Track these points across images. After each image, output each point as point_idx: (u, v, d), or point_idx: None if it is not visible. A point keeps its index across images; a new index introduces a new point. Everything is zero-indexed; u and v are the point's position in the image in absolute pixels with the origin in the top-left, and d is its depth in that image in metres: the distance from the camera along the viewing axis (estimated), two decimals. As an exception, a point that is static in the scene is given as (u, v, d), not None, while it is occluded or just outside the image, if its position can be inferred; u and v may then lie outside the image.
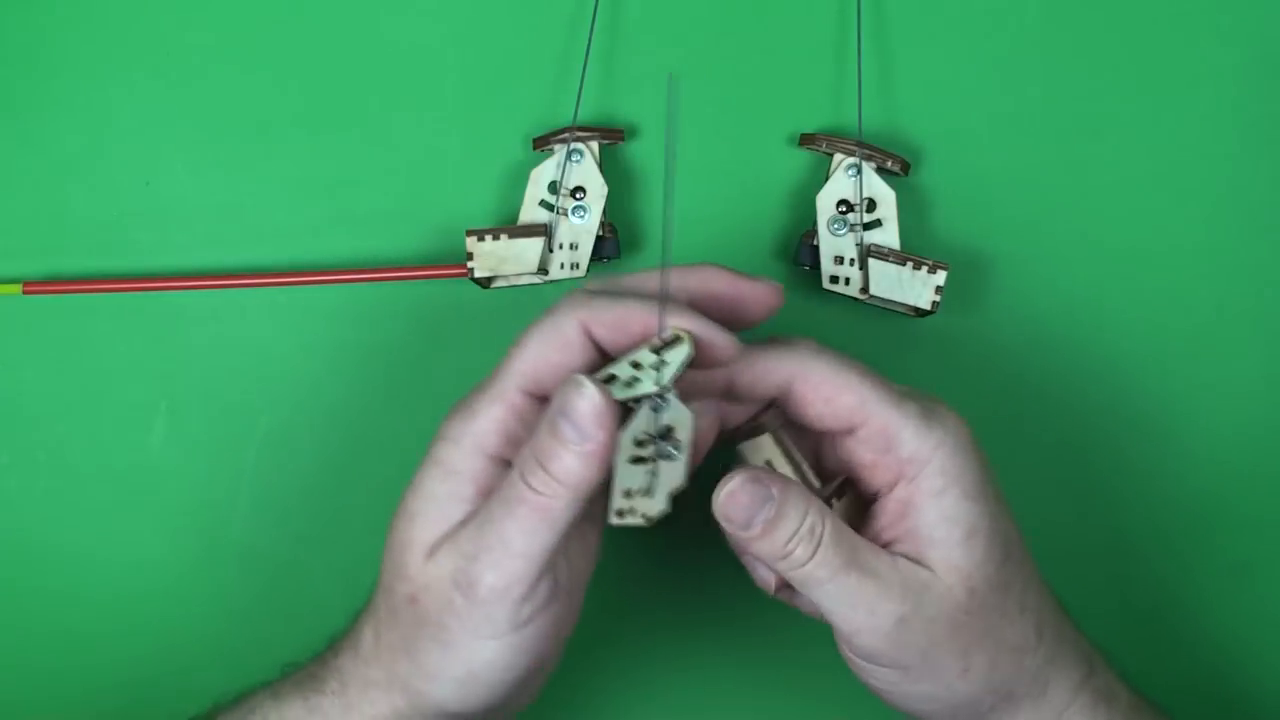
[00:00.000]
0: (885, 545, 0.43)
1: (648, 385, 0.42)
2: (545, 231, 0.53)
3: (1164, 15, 0.55)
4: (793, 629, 0.49)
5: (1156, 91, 0.55)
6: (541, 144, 0.54)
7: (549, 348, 0.42)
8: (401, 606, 0.43)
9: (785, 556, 0.42)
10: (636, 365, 0.42)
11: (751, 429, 0.45)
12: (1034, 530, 0.46)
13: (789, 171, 0.55)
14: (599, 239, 0.53)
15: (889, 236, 0.53)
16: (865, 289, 0.53)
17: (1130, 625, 0.56)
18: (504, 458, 0.43)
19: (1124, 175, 0.55)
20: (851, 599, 0.42)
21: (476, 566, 0.42)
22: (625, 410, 0.42)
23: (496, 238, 0.53)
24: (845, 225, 0.53)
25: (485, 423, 0.43)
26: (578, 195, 0.53)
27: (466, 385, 0.48)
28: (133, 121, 0.55)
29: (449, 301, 0.55)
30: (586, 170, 0.53)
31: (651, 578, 0.54)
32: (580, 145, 0.53)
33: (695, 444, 0.43)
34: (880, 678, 0.44)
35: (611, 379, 0.42)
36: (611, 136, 0.54)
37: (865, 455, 0.43)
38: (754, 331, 0.44)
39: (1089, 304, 0.55)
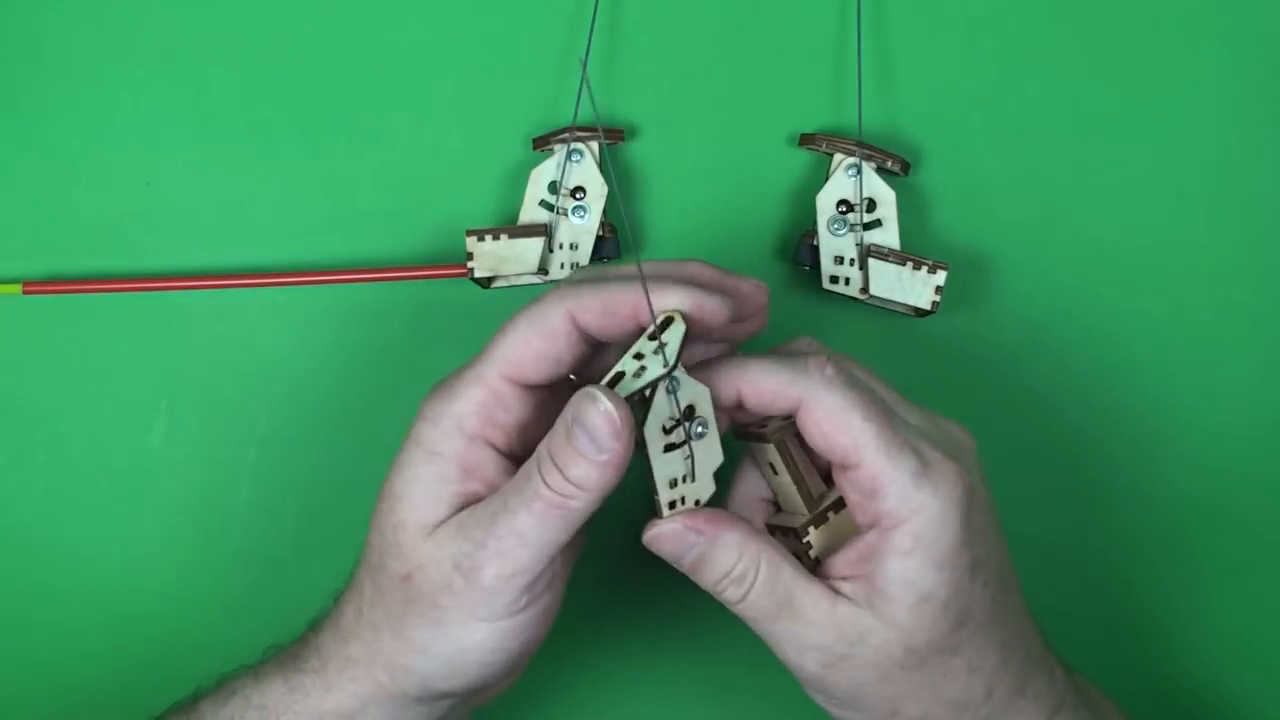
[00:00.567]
0: (844, 578, 0.43)
1: (655, 369, 0.42)
2: (545, 231, 0.53)
3: (1164, 15, 0.55)
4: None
5: (1156, 91, 0.55)
6: (541, 144, 0.54)
7: (534, 335, 0.42)
8: (391, 584, 0.43)
9: (717, 592, 0.43)
10: (639, 356, 0.42)
11: (759, 433, 0.45)
12: (1032, 530, 0.46)
13: (789, 171, 0.55)
14: (599, 239, 0.53)
15: (889, 236, 0.53)
16: (865, 289, 0.53)
17: (1130, 625, 0.56)
18: (484, 438, 0.43)
19: (1124, 175, 0.55)
20: (780, 639, 0.43)
21: (483, 554, 0.42)
22: (644, 404, 0.42)
23: (496, 238, 0.53)
24: (845, 225, 0.53)
25: (464, 404, 0.43)
26: (578, 195, 0.53)
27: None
28: (133, 121, 0.55)
29: (449, 301, 0.55)
30: (586, 170, 0.53)
31: (629, 568, 0.54)
32: (580, 145, 0.53)
33: (718, 416, 0.43)
34: (814, 698, 0.45)
35: (619, 377, 0.42)
36: (611, 136, 0.54)
37: (851, 493, 0.43)
38: (771, 336, 0.44)
39: (1089, 304, 0.55)
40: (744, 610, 0.43)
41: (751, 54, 0.55)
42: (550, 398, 0.44)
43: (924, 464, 0.42)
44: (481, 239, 0.53)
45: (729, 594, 0.43)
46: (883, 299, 0.53)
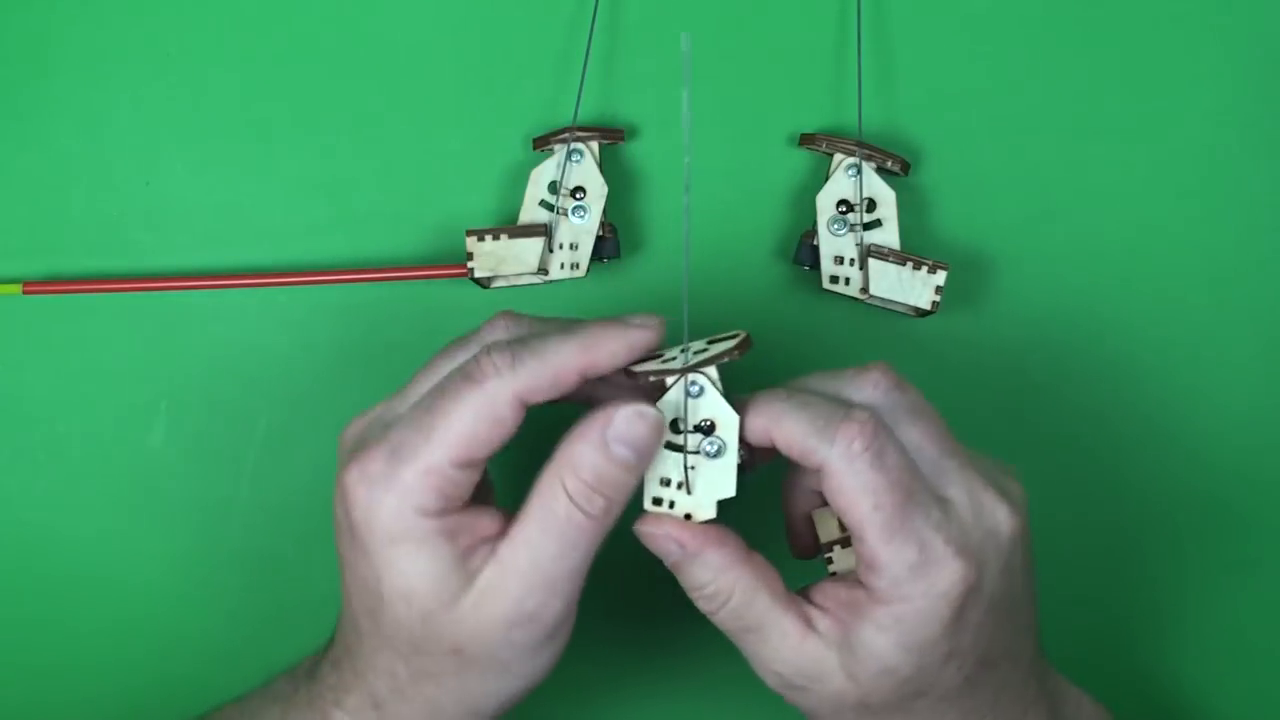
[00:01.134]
0: (826, 610, 0.43)
1: (677, 363, 0.42)
2: (545, 231, 0.53)
3: (1164, 15, 0.55)
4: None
5: (1156, 91, 0.55)
6: (541, 144, 0.54)
7: (482, 425, 0.41)
8: (437, 660, 0.43)
9: (691, 598, 0.44)
10: (684, 349, 0.42)
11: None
12: (1032, 530, 0.46)
13: (789, 171, 0.55)
14: (599, 239, 0.53)
15: (889, 236, 0.53)
16: (865, 289, 0.53)
17: (1130, 625, 0.56)
18: (448, 508, 0.42)
19: (1124, 175, 0.55)
20: (745, 652, 0.44)
21: (533, 602, 0.42)
22: (660, 392, 0.42)
23: (496, 238, 0.53)
24: (845, 225, 0.53)
25: (421, 495, 0.41)
26: (578, 195, 0.53)
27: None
28: (133, 121, 0.55)
29: (449, 301, 0.55)
30: (586, 170, 0.53)
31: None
32: (580, 145, 0.53)
33: (746, 451, 0.43)
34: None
35: (657, 357, 0.42)
36: (611, 136, 0.54)
37: (856, 552, 0.43)
38: (773, 335, 0.44)
39: (1089, 304, 0.55)
40: (714, 619, 0.44)
41: (751, 54, 0.55)
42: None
43: (924, 559, 0.41)
44: (481, 239, 0.53)
45: (700, 605, 0.44)
46: (883, 299, 0.53)
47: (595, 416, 0.42)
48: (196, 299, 0.55)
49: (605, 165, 0.53)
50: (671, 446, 0.42)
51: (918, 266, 0.52)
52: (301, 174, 0.55)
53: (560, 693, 0.55)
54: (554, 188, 0.53)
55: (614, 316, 0.43)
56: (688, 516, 0.43)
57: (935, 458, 0.43)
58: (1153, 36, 0.55)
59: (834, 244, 0.53)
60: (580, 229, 0.53)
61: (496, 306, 0.54)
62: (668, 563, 0.44)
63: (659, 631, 0.55)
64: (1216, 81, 0.55)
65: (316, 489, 0.55)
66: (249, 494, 0.55)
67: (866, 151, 0.53)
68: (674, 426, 0.42)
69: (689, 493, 0.43)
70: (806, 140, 0.54)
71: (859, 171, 0.53)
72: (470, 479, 0.42)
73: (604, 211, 0.53)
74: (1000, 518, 0.43)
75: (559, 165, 0.53)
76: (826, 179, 0.54)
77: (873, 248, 0.53)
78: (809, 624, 0.43)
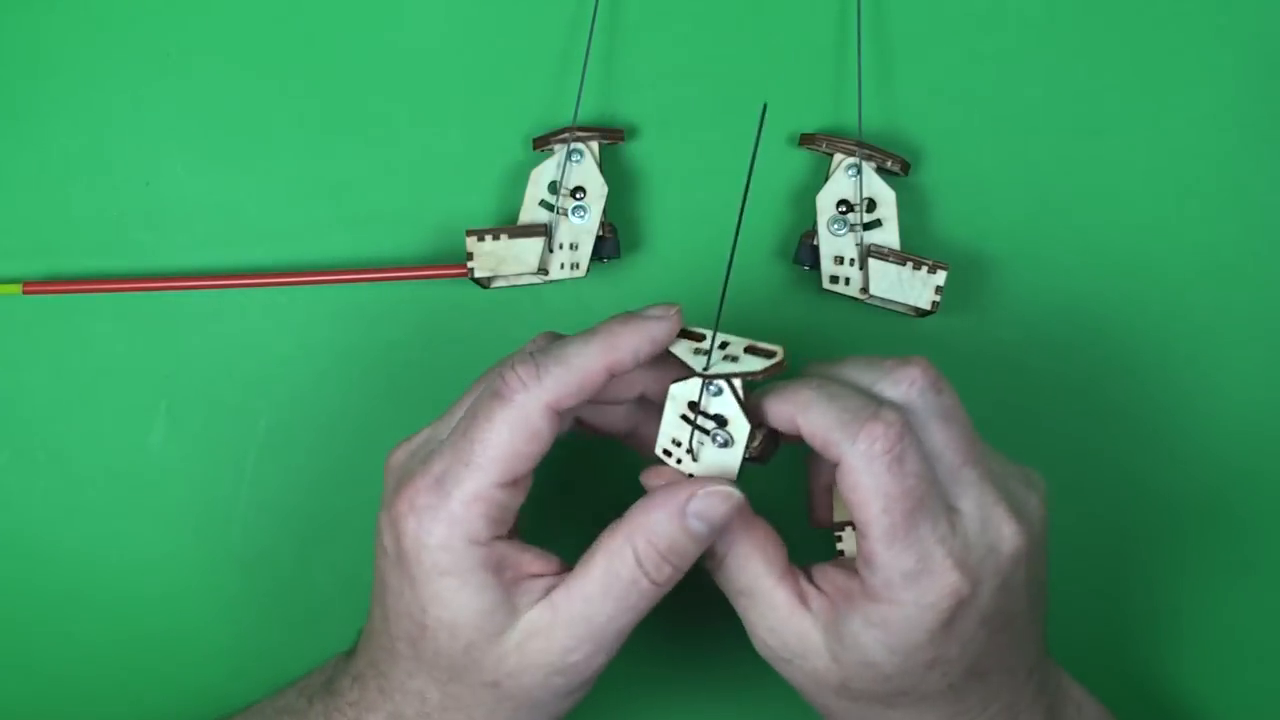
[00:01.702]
0: (822, 591, 0.44)
1: (698, 363, 0.43)
2: (545, 231, 0.53)
3: (1164, 15, 0.55)
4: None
5: (1156, 91, 0.55)
6: (541, 144, 0.54)
7: (519, 441, 0.42)
8: (474, 690, 0.43)
9: (689, 531, 0.43)
10: (724, 345, 0.43)
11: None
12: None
13: (789, 171, 0.55)
14: (599, 239, 0.53)
15: (889, 236, 0.53)
16: (865, 289, 0.53)
17: (1130, 625, 0.56)
18: (496, 535, 0.43)
19: (1124, 175, 0.55)
20: (740, 614, 0.45)
21: (580, 655, 0.42)
22: (684, 374, 0.43)
23: (496, 238, 0.53)
24: (845, 225, 0.53)
25: (472, 523, 0.42)
26: (578, 195, 0.53)
27: (466, 385, 0.48)
28: (133, 121, 0.55)
29: (449, 301, 0.55)
30: (586, 170, 0.53)
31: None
32: (580, 145, 0.53)
33: (766, 437, 0.43)
34: None
35: (701, 336, 0.43)
36: (611, 136, 0.54)
37: (857, 544, 0.43)
38: (775, 336, 0.44)
39: (1089, 304, 0.55)
40: (712, 575, 0.45)
41: (751, 54, 0.55)
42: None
43: (922, 568, 0.41)
44: (481, 239, 0.53)
45: (691, 527, 0.43)
46: (883, 299, 0.53)
47: (678, 488, 0.42)
48: (196, 299, 0.55)
49: (605, 165, 0.53)
50: (686, 420, 0.43)
51: (918, 266, 0.52)
52: (301, 174, 0.55)
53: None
54: (554, 188, 0.53)
55: (631, 311, 0.44)
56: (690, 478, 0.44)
57: (955, 465, 0.43)
58: (1153, 36, 0.55)
59: (834, 244, 0.53)
60: (580, 229, 0.53)
61: (497, 306, 0.55)
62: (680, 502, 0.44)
63: (665, 631, 0.56)
64: (1216, 81, 0.55)
65: (316, 489, 0.55)
66: (249, 494, 0.55)
67: (866, 151, 0.53)
68: (691, 406, 0.43)
69: (695, 460, 0.44)
70: (806, 140, 0.54)
71: (859, 171, 0.53)
72: (516, 498, 0.43)
73: (604, 211, 0.53)
74: (1006, 534, 0.43)
75: (559, 165, 0.53)
76: (826, 179, 0.54)
77: (873, 248, 0.53)
78: (802, 600, 0.43)
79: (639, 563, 0.42)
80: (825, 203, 0.53)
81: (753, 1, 0.55)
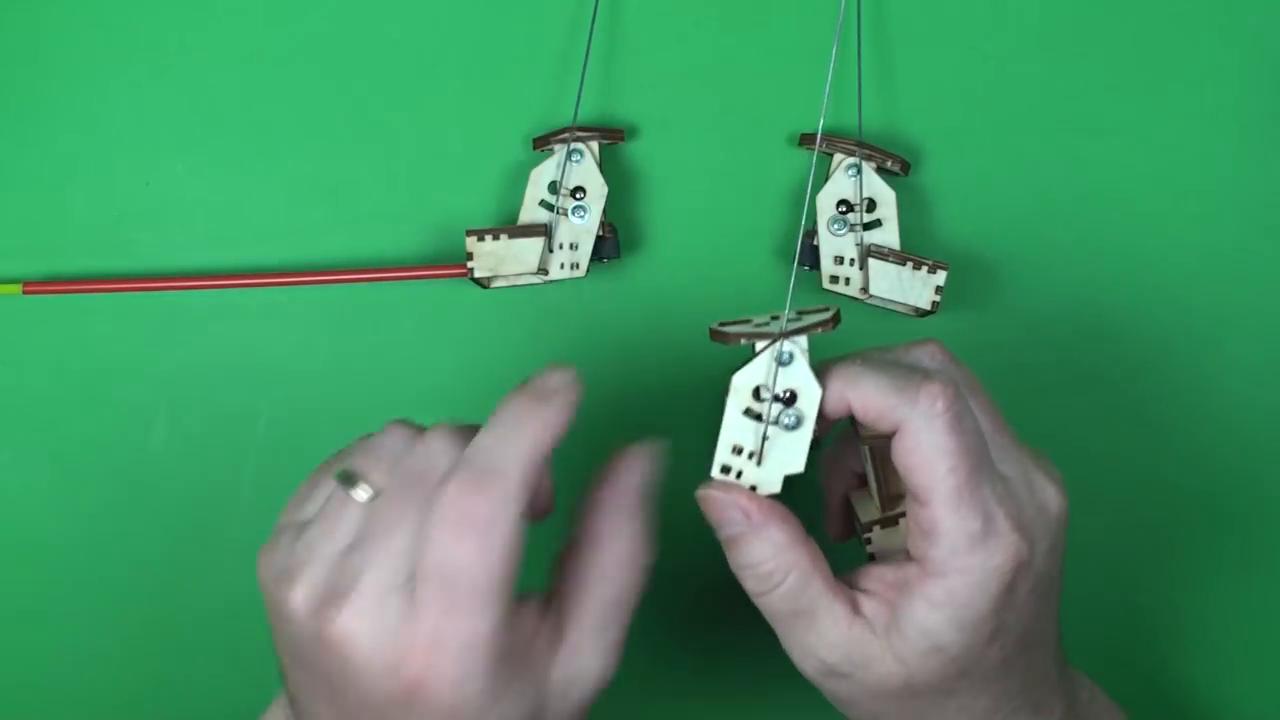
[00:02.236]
0: (870, 592, 0.43)
1: (773, 329, 0.42)
2: (545, 231, 0.53)
3: (1164, 15, 0.55)
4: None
5: (1156, 91, 0.55)
6: (541, 144, 0.54)
7: (513, 559, 0.38)
8: None
9: (740, 577, 0.43)
10: (775, 317, 0.42)
11: (857, 429, 0.44)
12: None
13: (789, 171, 0.55)
14: (599, 239, 0.53)
15: (889, 236, 0.53)
16: (865, 289, 0.53)
17: (1131, 625, 0.56)
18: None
19: (1124, 175, 0.55)
20: (788, 640, 0.44)
21: (609, 674, 0.42)
22: (749, 357, 0.42)
23: (496, 238, 0.53)
24: (845, 225, 0.53)
25: (503, 641, 0.39)
26: (578, 195, 0.53)
27: (466, 385, 0.49)
28: (133, 121, 0.55)
29: (449, 301, 0.55)
30: (586, 170, 0.53)
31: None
32: (580, 145, 0.53)
33: (819, 424, 0.42)
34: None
35: (745, 322, 0.42)
36: (611, 136, 0.54)
37: (912, 522, 0.43)
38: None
39: (1089, 304, 0.55)
40: (760, 604, 0.43)
41: (751, 54, 0.55)
42: None
43: (987, 530, 0.41)
44: (481, 239, 0.53)
45: (749, 585, 0.43)
46: (883, 299, 0.53)
47: (627, 482, 0.42)
48: (196, 299, 0.55)
49: (605, 165, 0.53)
50: (751, 414, 0.42)
51: (918, 266, 0.52)
52: (301, 174, 0.55)
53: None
54: (554, 188, 0.53)
55: (521, 386, 0.41)
56: (753, 489, 0.43)
57: (990, 432, 0.43)
58: (1153, 36, 0.55)
59: (834, 244, 0.53)
60: (580, 229, 0.53)
61: (496, 306, 0.55)
62: (725, 534, 0.43)
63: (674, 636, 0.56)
64: (1216, 81, 0.55)
65: (316, 489, 0.55)
66: (249, 494, 0.55)
67: (866, 151, 0.53)
68: (755, 394, 0.42)
69: (759, 464, 0.43)
70: (807, 140, 0.54)
71: (859, 171, 0.53)
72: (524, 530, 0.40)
73: (604, 211, 0.53)
74: (1050, 495, 0.43)
75: (559, 165, 0.53)
76: (826, 179, 0.54)
77: (873, 248, 0.53)
78: (855, 608, 0.43)
79: (640, 563, 0.42)
80: (825, 203, 0.53)
81: (752, 2, 0.55)
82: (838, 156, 0.53)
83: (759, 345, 0.42)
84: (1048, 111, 0.55)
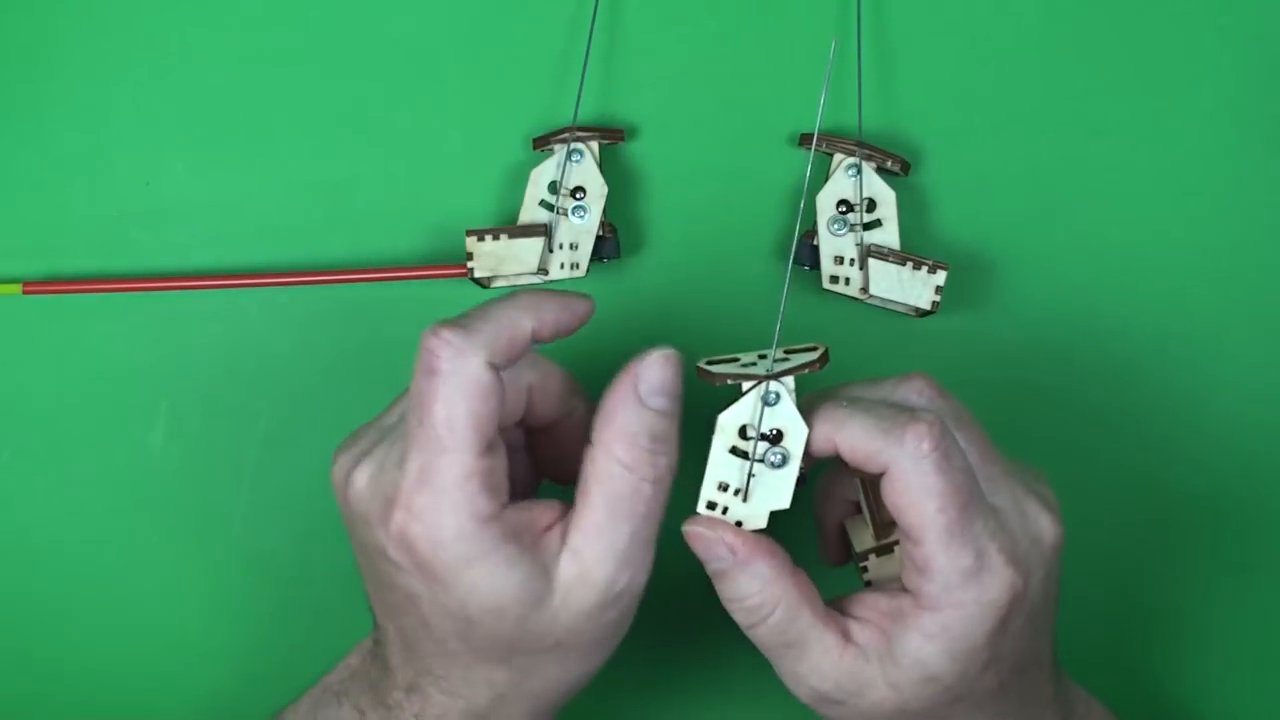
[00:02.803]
0: (863, 620, 0.43)
1: (759, 370, 0.42)
2: (545, 231, 0.53)
3: (1164, 15, 0.55)
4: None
5: (1156, 91, 0.55)
6: (541, 144, 0.54)
7: (476, 403, 0.41)
8: (538, 658, 0.43)
9: (729, 610, 0.43)
10: (763, 356, 0.42)
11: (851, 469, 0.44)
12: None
13: (789, 171, 0.55)
14: (599, 239, 0.53)
15: (889, 236, 0.53)
16: (865, 289, 0.53)
17: (1130, 625, 0.56)
18: (499, 511, 0.42)
19: (1124, 175, 0.55)
20: (779, 667, 0.44)
21: (621, 582, 0.42)
22: (735, 396, 0.42)
23: (496, 238, 0.53)
24: (845, 225, 0.53)
25: (477, 501, 0.41)
26: (578, 195, 0.53)
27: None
28: (133, 121, 0.55)
29: (449, 301, 0.55)
30: (586, 170, 0.53)
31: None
32: (580, 145, 0.53)
33: (804, 463, 0.42)
34: None
35: (733, 360, 0.42)
36: (611, 136, 0.54)
37: (905, 557, 0.43)
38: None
39: (1089, 304, 0.55)
40: (750, 636, 0.44)
41: (751, 54, 0.55)
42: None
43: (980, 565, 0.41)
44: (481, 239, 0.53)
45: (738, 618, 0.43)
46: (883, 299, 0.53)
47: (620, 381, 0.42)
48: (196, 299, 0.55)
49: (605, 165, 0.53)
50: (736, 452, 0.42)
51: (918, 266, 0.52)
52: (301, 174, 0.55)
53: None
54: (554, 188, 0.53)
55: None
56: (738, 524, 0.43)
57: (979, 465, 0.43)
58: (1153, 36, 0.55)
59: (834, 244, 0.53)
60: (580, 229, 0.53)
61: (496, 306, 0.54)
62: (712, 569, 0.43)
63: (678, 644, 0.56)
64: (1216, 81, 0.55)
65: (316, 489, 0.55)
66: (249, 494, 0.55)
67: (866, 151, 0.53)
68: (742, 433, 0.42)
69: (744, 500, 0.43)
70: (807, 140, 0.54)
71: (859, 171, 0.53)
72: (500, 461, 0.42)
73: (604, 211, 0.53)
74: (1044, 525, 0.43)
75: (559, 165, 0.53)
76: (826, 179, 0.54)
77: (873, 248, 0.53)
78: (847, 637, 0.43)
79: (630, 470, 0.41)
80: (825, 203, 0.53)
81: (753, 2, 0.55)
82: (838, 156, 0.53)
83: (745, 386, 0.42)
84: (1048, 111, 0.55)
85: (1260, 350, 0.55)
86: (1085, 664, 0.50)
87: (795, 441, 0.42)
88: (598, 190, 0.53)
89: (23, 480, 0.55)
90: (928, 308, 0.53)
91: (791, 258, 0.45)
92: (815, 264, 0.53)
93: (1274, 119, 0.55)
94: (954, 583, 0.41)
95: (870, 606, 0.43)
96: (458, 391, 0.40)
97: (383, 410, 0.45)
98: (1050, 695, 0.46)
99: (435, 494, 0.41)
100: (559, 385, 0.45)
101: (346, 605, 0.51)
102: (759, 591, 0.42)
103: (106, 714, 0.55)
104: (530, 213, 0.54)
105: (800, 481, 0.43)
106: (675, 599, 0.54)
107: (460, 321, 0.42)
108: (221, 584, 0.55)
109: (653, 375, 0.41)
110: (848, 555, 0.48)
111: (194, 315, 0.55)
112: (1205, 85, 0.55)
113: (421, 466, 0.41)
